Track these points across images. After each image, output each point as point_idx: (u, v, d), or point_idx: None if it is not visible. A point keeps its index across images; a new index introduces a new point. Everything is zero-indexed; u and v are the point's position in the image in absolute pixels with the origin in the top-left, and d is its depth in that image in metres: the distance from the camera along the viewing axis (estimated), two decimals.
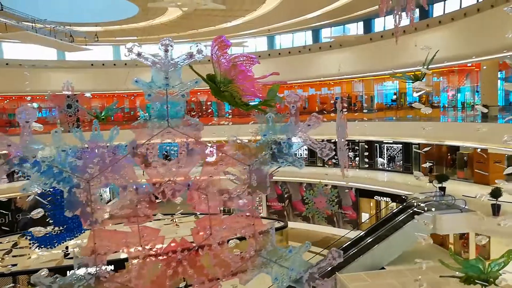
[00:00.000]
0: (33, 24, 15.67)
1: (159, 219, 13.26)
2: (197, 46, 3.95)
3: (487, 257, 14.76)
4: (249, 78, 7.31)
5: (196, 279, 3.77)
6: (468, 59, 20.78)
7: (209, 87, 6.43)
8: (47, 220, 12.71)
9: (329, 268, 3.96)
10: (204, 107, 37.18)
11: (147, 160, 3.68)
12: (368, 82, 29.96)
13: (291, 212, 28.13)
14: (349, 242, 17.63)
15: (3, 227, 21.48)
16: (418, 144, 24.70)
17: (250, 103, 8.14)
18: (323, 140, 4.50)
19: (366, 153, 27.04)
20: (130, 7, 17.75)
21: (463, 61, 21.53)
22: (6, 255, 17.47)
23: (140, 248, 3.63)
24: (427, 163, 25.51)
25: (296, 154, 4.66)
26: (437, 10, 25.37)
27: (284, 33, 33.08)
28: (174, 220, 20.64)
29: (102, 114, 22.77)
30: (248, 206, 3.79)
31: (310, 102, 33.50)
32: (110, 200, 23.57)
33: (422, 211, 16.46)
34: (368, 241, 16.39)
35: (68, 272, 4.17)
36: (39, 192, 11.15)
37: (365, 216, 25.01)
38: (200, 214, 4.08)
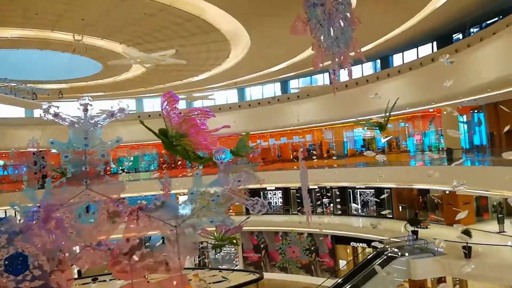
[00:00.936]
0: None
1: None
2: (119, 104, 3.86)
3: None
4: (201, 132, 7.28)
5: None
6: (428, 105, 21.59)
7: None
8: None
9: None
10: (178, 159, 36.89)
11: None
12: (337, 130, 30.58)
13: (268, 262, 27.43)
14: None
15: None
16: (390, 188, 25.02)
17: (205, 156, 8.04)
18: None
19: (339, 200, 27.07)
20: (95, 64, 17.93)
21: (424, 107, 22.33)
22: None
23: None
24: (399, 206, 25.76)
25: (229, 208, 4.51)
26: (397, 60, 26.64)
27: (254, 85, 33.87)
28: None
29: (68, 170, 22.20)
30: (176, 271, 3.56)
31: (283, 151, 33.76)
32: None
33: (397, 256, 16.38)
34: None
35: None
36: None
37: (342, 263, 24.60)
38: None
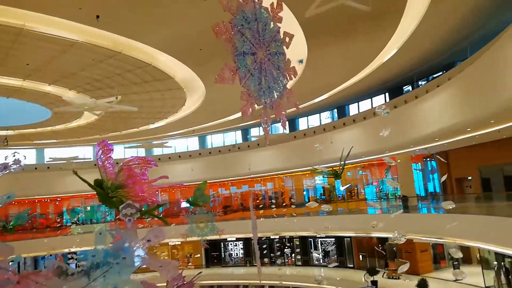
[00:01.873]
0: None
1: None
2: (13, 155, 3.47)
3: None
4: (139, 182, 6.82)
5: None
6: (382, 154, 22.04)
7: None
8: None
9: None
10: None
11: None
12: (298, 177, 30.60)
13: None
14: None
15: None
16: (350, 237, 24.87)
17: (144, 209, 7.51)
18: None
19: (298, 250, 26.54)
20: (43, 110, 17.30)
21: (379, 156, 22.77)
22: None
23: None
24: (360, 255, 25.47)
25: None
26: (353, 110, 27.44)
27: (215, 132, 33.79)
28: None
29: (11, 223, 20.81)
30: None
31: (245, 199, 33.29)
32: None
33: None
34: None
35: None
36: None
37: None
38: None
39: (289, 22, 12.69)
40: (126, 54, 12.66)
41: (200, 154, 31.39)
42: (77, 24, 10.79)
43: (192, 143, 35.26)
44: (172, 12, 10.49)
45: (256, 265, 27.12)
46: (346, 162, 24.14)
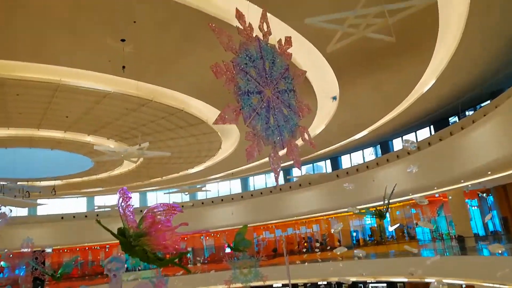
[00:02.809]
0: None
1: None
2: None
3: None
4: (160, 230, 6.56)
5: None
6: (430, 191, 20.71)
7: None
8: None
9: None
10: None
11: None
12: (343, 218, 29.30)
13: None
14: None
15: None
16: (403, 282, 23.10)
17: (165, 258, 7.21)
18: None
19: None
20: (87, 160, 17.97)
21: (427, 193, 21.42)
22: None
23: None
24: None
25: None
26: (397, 145, 26.32)
27: (257, 174, 33.59)
28: None
29: (59, 272, 21.29)
30: None
31: (291, 243, 32.27)
32: None
33: None
34: None
35: None
36: None
37: None
38: None
39: (316, 59, 12.53)
40: (157, 102, 12.94)
41: (242, 196, 31.08)
42: (108, 76, 11.22)
43: (235, 186, 35.19)
44: (196, 59, 10.66)
45: None
46: (392, 200, 22.90)
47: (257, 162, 26.97)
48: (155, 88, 12.42)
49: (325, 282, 25.79)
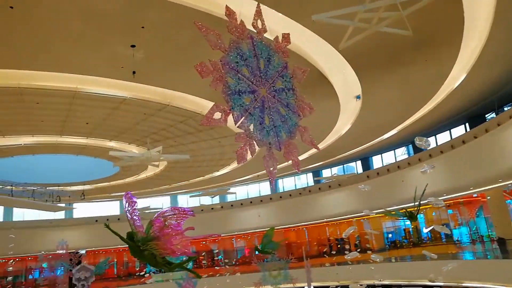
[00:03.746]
0: (12, 188, 16.09)
1: None
2: None
3: None
4: (168, 235, 6.48)
5: None
6: (466, 191, 19.63)
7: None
8: None
9: None
10: (214, 256, 35.63)
11: None
12: (374, 220, 28.38)
13: None
14: None
15: None
16: (440, 286, 22.03)
17: (175, 261, 7.09)
18: None
19: None
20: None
21: (463, 193, 20.33)
22: None
23: None
24: None
25: None
26: (431, 143, 25.17)
27: (286, 176, 33.20)
28: None
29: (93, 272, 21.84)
30: None
31: (320, 244, 31.66)
32: None
33: None
34: None
35: None
36: None
37: None
38: None
39: (334, 59, 12.07)
40: (175, 106, 12.90)
41: (271, 199, 30.77)
42: (122, 82, 11.27)
43: (264, 188, 34.95)
44: None
45: None
46: (426, 201, 21.83)
47: (285, 164, 26.60)
48: (172, 92, 12.37)
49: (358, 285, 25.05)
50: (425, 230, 25.17)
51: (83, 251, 26.30)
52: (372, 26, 8.08)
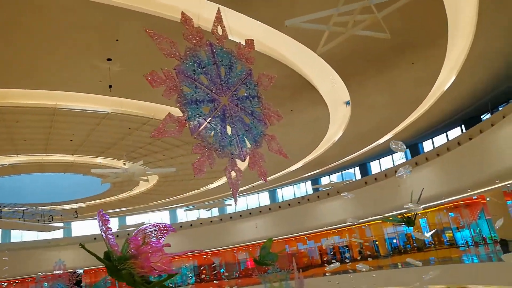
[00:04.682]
0: (0, 209, 15.84)
1: None
2: None
3: None
4: (145, 253, 6.25)
5: None
6: (464, 193, 19.28)
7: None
8: None
9: None
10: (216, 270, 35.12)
11: None
12: (376, 226, 27.96)
13: None
14: None
15: None
16: None
17: (154, 281, 6.80)
18: None
19: None
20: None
21: (461, 196, 19.98)
22: None
23: None
24: None
25: None
26: (428, 147, 24.91)
27: (284, 185, 32.87)
28: None
29: None
30: None
31: (323, 253, 31.21)
32: None
33: None
34: None
35: None
36: None
37: None
38: None
39: (318, 65, 11.85)
40: (159, 119, 12.66)
41: (270, 209, 30.41)
42: (103, 97, 11.06)
43: (263, 198, 34.60)
44: None
45: None
46: (426, 205, 21.50)
47: (283, 172, 26.35)
48: (154, 105, 12.15)
49: None
50: (427, 235, 24.68)
51: (81, 271, 25.93)
52: (348, 30, 7.84)
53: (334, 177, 31.84)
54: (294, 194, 33.35)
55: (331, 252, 30.32)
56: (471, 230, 24.09)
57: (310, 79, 12.70)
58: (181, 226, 31.63)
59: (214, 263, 32.99)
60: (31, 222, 17.48)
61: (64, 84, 10.35)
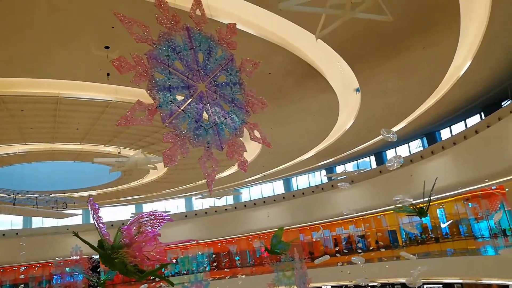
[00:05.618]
0: (14, 196, 16.17)
1: None
2: None
3: None
4: (137, 242, 6.26)
5: None
6: (481, 184, 18.62)
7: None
8: None
9: None
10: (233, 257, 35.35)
11: None
12: (391, 216, 27.46)
13: None
14: None
15: None
16: (461, 284, 21.04)
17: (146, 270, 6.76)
18: None
19: None
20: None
21: (478, 186, 19.32)
22: None
23: None
24: None
25: None
26: (445, 136, 24.15)
27: (299, 174, 32.60)
28: None
29: (102, 278, 21.96)
30: None
31: (338, 242, 30.95)
32: None
33: None
34: None
35: None
36: None
37: None
38: None
39: (325, 51, 11.49)
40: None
41: (284, 198, 30.23)
42: (106, 85, 11.01)
43: (278, 187, 34.43)
44: None
45: None
46: (443, 195, 20.89)
47: (297, 160, 26.08)
48: None
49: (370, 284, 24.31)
50: (443, 225, 24.14)
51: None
52: (346, 13, 7.49)
53: (350, 166, 31.37)
54: (309, 183, 33.05)
55: (345, 241, 29.98)
56: (490, 221, 23.36)
57: (317, 66, 12.36)
58: (196, 214, 31.85)
59: (229, 251, 33.17)
60: (45, 209, 17.83)
61: (66, 73, 10.34)
